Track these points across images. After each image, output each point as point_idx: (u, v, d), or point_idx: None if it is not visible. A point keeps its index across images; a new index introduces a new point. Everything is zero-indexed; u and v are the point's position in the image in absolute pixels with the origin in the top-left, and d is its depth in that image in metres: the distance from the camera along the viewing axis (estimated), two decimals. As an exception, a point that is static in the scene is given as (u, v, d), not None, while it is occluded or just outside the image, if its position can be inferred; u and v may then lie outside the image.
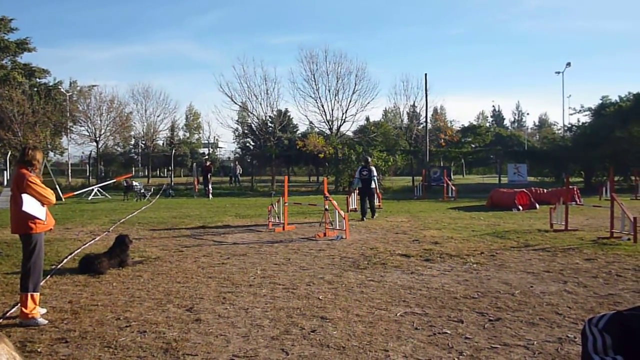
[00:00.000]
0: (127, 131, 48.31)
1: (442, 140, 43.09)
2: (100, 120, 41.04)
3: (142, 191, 26.07)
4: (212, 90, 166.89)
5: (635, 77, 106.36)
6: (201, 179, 30.05)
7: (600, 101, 35.09)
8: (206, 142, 65.36)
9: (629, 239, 10.38)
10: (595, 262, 8.46)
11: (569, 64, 49.14)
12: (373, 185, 15.95)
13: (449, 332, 5.07)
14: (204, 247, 10.41)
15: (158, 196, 27.23)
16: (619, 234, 10.82)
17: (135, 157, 55.88)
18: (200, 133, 72.18)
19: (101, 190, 27.71)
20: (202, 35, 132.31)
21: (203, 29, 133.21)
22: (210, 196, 27.20)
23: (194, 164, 36.42)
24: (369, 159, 17.06)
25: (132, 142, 56.23)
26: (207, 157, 48.88)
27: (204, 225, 14.06)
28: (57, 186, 25.16)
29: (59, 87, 47.87)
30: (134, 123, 49.45)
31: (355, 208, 17.38)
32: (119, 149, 53.28)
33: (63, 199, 23.38)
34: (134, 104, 49.28)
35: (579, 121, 41.36)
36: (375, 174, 16.23)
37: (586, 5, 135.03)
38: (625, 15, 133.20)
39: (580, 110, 37.61)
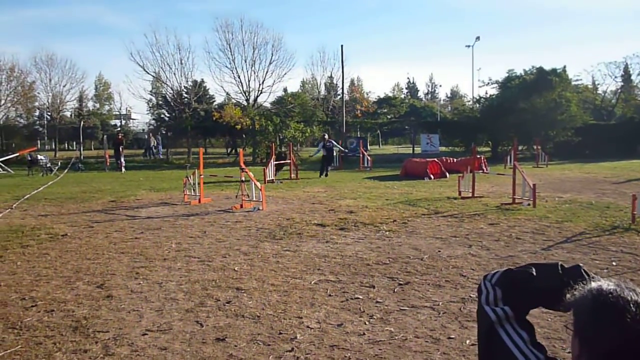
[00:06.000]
0: (30, 102, 45.44)
1: (359, 111, 43.66)
2: (0, 90, 38.38)
3: (48, 165, 24.76)
4: (122, 58, 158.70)
5: (540, 52, 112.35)
6: (113, 152, 28.90)
7: (507, 74, 36.64)
8: (117, 113, 62.62)
9: (529, 204, 11.10)
10: (498, 227, 9.00)
11: (478, 38, 51.03)
12: (335, 154, 22.92)
13: (361, 297, 5.26)
14: (115, 222, 10.09)
15: (66, 170, 25.97)
16: (520, 200, 11.54)
17: (41, 129, 52.77)
18: (111, 104, 69.05)
19: (2, 165, 26.05)
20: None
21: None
22: (123, 170, 26.28)
23: (105, 136, 34.95)
24: (326, 135, 23.71)
25: (37, 114, 53.00)
26: (119, 129, 47.06)
27: (116, 200, 13.61)
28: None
29: (-50, 53, 44.16)
30: (38, 93, 46.53)
31: (273, 179, 18.23)
32: (22, 120, 50.04)
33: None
34: (37, 73, 46.31)
35: (487, 93, 43.02)
36: (336, 145, 23.22)
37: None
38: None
39: (488, 83, 38.96)
